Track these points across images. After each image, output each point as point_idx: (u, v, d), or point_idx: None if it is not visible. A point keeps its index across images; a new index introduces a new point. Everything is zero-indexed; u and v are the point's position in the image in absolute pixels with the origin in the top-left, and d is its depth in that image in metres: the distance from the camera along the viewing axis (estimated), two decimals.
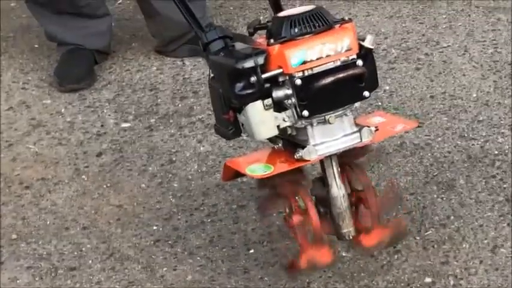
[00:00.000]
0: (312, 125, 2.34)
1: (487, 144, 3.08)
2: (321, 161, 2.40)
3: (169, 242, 2.74)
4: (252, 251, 2.65)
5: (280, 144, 2.43)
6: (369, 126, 2.37)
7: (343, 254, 2.56)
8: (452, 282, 2.47)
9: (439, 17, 3.88)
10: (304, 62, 2.29)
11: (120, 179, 3.07)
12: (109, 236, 2.82)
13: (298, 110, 2.32)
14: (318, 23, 2.32)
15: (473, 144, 3.09)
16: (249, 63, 2.30)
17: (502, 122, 3.19)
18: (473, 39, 3.67)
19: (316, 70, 2.30)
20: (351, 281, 2.57)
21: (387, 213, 2.47)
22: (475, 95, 3.32)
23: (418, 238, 2.60)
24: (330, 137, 2.36)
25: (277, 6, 2.60)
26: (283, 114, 2.34)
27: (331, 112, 2.33)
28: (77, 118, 3.44)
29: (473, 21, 3.85)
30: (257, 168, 2.40)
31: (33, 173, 3.18)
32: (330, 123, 2.35)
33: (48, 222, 2.90)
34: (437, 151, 3.06)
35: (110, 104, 3.50)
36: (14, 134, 3.41)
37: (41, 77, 3.70)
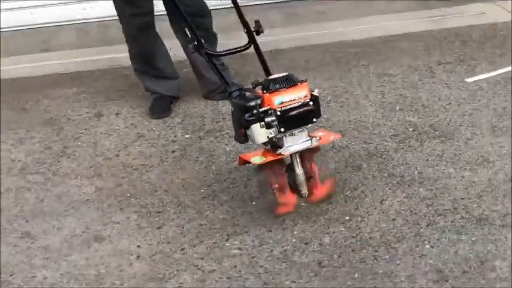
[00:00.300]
0: (285, 136, 2.93)
1: (379, 146, 3.62)
2: (291, 156, 2.95)
3: (210, 198, 3.30)
4: (254, 203, 3.24)
5: (268, 146, 3.00)
6: (315, 137, 2.99)
7: (302, 205, 3.12)
8: (359, 219, 3.06)
9: (352, 79, 4.41)
10: (282, 102, 2.90)
11: (184, 165, 3.63)
12: (178, 195, 3.37)
13: (278, 128, 2.89)
14: (289, 82, 2.93)
15: (371, 146, 3.63)
16: (253, 103, 2.91)
17: (387, 134, 3.72)
18: (371, 90, 4.24)
19: (288, 107, 2.91)
20: (306, 218, 3.09)
21: (323, 181, 3.00)
22: (371, 120, 3.87)
23: (341, 196, 3.21)
24: (295, 142, 2.96)
25: (267, 72, 3.22)
26: (270, 130, 2.92)
27: (296, 129, 2.94)
28: (160, 133, 3.98)
29: (371, 80, 4.39)
30: (257, 158, 2.95)
31: (138, 161, 3.72)
32: (295, 135, 2.95)
33: (146, 188, 3.44)
34: (352, 150, 3.61)
35: (178, 125, 4.06)
36: (127, 141, 3.92)
37: (142, 111, 4.25)
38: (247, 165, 3.25)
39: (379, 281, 2.71)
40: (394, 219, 3.06)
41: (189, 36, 3.19)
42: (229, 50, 3.28)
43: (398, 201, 3.18)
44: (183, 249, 3.00)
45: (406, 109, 3.98)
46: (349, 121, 3.91)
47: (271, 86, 2.92)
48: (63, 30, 5.83)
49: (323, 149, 3.28)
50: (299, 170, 2.98)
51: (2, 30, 5.86)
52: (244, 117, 2.90)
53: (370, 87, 4.28)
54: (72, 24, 5.92)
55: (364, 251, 2.88)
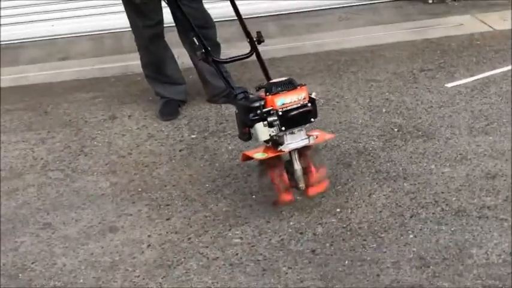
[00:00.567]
0: (286, 134, 2.94)
1: (367, 145, 3.62)
2: (289, 153, 2.97)
3: (214, 192, 3.30)
4: (254, 196, 3.25)
5: (269, 144, 3.00)
6: (312, 135, 3.00)
7: (297, 198, 3.11)
8: (349, 211, 3.07)
9: (343, 84, 4.40)
10: (283, 104, 2.92)
11: (191, 162, 3.64)
12: (185, 189, 3.38)
13: (279, 126, 2.90)
14: (289, 86, 2.95)
15: (359, 145, 3.63)
16: (257, 104, 2.92)
17: (374, 134, 3.72)
18: (359, 95, 4.21)
19: (289, 108, 2.93)
20: (301, 210, 3.10)
21: (318, 176, 2.99)
22: (360, 121, 3.87)
23: (333, 190, 3.20)
24: (294, 140, 2.97)
25: (267, 77, 3.23)
26: (272, 129, 2.93)
27: (295, 128, 2.96)
28: (169, 133, 3.98)
29: (359, 85, 4.35)
30: (259, 154, 2.96)
31: (149, 159, 3.70)
32: (294, 133, 2.96)
33: (156, 183, 3.44)
34: (343, 149, 3.61)
35: (185, 126, 4.06)
36: (139, 140, 3.93)
37: (152, 113, 4.23)
38: (247, 162, 3.27)
39: (367, 267, 2.73)
40: (380, 211, 3.08)
41: (197, 44, 3.19)
42: (234, 57, 3.28)
43: (384, 195, 3.20)
44: (189, 238, 3.02)
45: (392, 111, 4.00)
46: (340, 122, 3.92)
47: (273, 89, 2.94)
48: (80, 40, 5.86)
49: (318, 147, 3.29)
50: (297, 166, 2.99)
51: (23, 40, 5.91)
52: (249, 116, 2.91)
53: (359, 92, 4.30)
54: (88, 35, 5.93)
55: (354, 240, 2.90)
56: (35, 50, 5.73)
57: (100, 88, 4.76)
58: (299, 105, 2.93)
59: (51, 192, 3.50)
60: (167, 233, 3.08)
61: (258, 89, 3.02)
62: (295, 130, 2.94)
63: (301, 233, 2.98)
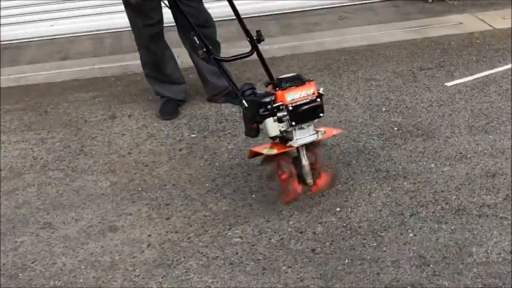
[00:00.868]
0: (295, 129, 2.94)
1: (366, 144, 3.62)
2: (297, 148, 2.98)
3: (214, 192, 3.31)
4: (253, 195, 3.26)
5: (277, 140, 2.99)
6: (320, 131, 3.01)
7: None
8: (349, 210, 3.07)
9: (343, 83, 4.39)
10: (293, 99, 2.92)
11: (190, 161, 3.64)
12: (185, 188, 3.39)
13: (289, 122, 2.91)
14: (298, 81, 2.96)
15: (359, 144, 3.64)
16: (267, 99, 2.93)
17: (374, 133, 3.72)
18: (359, 94, 4.21)
19: (298, 103, 2.93)
20: (301, 209, 3.11)
21: (325, 172, 3.00)
22: (360, 121, 3.87)
23: (333, 189, 3.19)
24: (303, 135, 2.97)
25: (269, 74, 3.19)
26: (282, 124, 2.94)
27: (305, 123, 2.97)
28: (169, 133, 3.99)
29: (359, 84, 4.38)
30: (269, 150, 2.96)
31: (149, 158, 3.72)
32: (304, 128, 2.96)
33: (155, 182, 3.44)
34: (342, 148, 3.62)
35: (185, 125, 4.07)
36: (139, 140, 3.92)
37: (152, 113, 4.24)
38: (247, 161, 3.32)
39: (367, 266, 2.73)
40: (380, 210, 3.08)
41: (197, 43, 3.19)
42: (235, 55, 3.28)
43: (384, 194, 3.20)
44: (189, 238, 3.02)
45: (391, 110, 4.00)
46: (339, 121, 3.93)
47: (282, 84, 2.94)
48: (79, 40, 5.86)
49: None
50: (305, 161, 3.00)
51: (23, 40, 5.91)
52: (259, 112, 2.91)
53: (359, 91, 4.31)
54: (88, 34, 5.93)
55: (354, 238, 2.90)
56: (34, 50, 5.74)
57: (100, 88, 4.76)
58: (308, 100, 2.94)
59: (51, 191, 3.50)
60: (167, 232, 3.08)
61: (267, 85, 3.02)
62: (305, 125, 2.95)
63: (301, 232, 2.98)
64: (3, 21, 5.89)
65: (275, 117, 2.91)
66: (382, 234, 2.91)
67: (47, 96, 4.69)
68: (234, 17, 3.27)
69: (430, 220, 2.98)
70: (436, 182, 3.25)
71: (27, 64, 5.39)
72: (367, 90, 4.29)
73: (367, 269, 2.72)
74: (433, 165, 3.39)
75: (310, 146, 3.01)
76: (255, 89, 3.07)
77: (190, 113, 4.22)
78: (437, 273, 2.66)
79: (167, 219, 3.17)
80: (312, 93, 2.95)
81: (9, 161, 3.83)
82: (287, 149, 2.95)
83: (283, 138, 2.98)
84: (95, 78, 4.95)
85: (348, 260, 2.77)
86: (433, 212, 3.03)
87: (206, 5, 4.12)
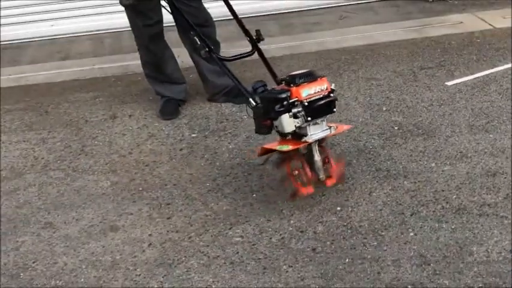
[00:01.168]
0: (309, 125, 2.95)
1: (367, 143, 3.64)
2: (309, 144, 2.96)
3: (215, 191, 3.31)
4: (254, 195, 3.27)
5: (289, 137, 2.98)
6: (332, 126, 3.03)
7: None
8: (350, 210, 3.08)
9: (343, 83, 4.39)
10: (308, 94, 2.94)
11: (191, 161, 3.66)
12: (186, 188, 3.40)
13: (305, 117, 2.91)
14: (310, 77, 2.98)
15: (360, 143, 3.65)
16: (284, 95, 2.93)
17: (374, 132, 3.73)
18: (360, 93, 4.23)
19: (313, 98, 2.96)
20: (301, 209, 3.11)
21: (337, 166, 3.03)
22: (360, 120, 3.82)
23: (334, 189, 3.18)
24: (317, 130, 2.99)
25: (271, 72, 3.30)
26: (297, 120, 2.94)
27: (320, 118, 2.99)
28: (169, 132, 4.00)
29: (360, 84, 4.38)
30: (284, 146, 2.96)
31: (150, 158, 3.71)
32: (318, 123, 2.98)
33: (156, 182, 3.45)
34: (343, 147, 3.62)
35: (186, 125, 4.08)
36: (139, 140, 3.93)
37: (152, 113, 4.25)
38: (248, 160, 3.36)
39: (368, 265, 2.73)
40: (381, 209, 3.08)
41: (199, 43, 3.20)
42: (238, 55, 3.29)
43: (385, 193, 3.21)
44: (190, 237, 3.03)
45: (392, 110, 4.01)
46: (340, 121, 3.87)
47: (296, 80, 2.96)
48: (80, 40, 5.86)
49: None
50: (317, 157, 3.01)
51: (23, 40, 5.91)
52: (275, 108, 2.91)
53: (359, 90, 4.32)
54: (88, 34, 5.93)
55: (354, 238, 2.91)
56: (35, 50, 5.74)
57: (100, 88, 4.77)
58: (323, 95, 2.96)
59: (52, 191, 3.51)
60: (168, 232, 3.09)
61: (280, 81, 3.04)
62: (319, 120, 2.97)
63: (301, 232, 2.99)
64: (3, 21, 5.89)
65: (291, 113, 2.91)
66: (383, 233, 2.92)
67: (47, 96, 4.69)
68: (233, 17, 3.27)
69: (431, 219, 2.98)
70: (437, 181, 3.25)
71: (27, 64, 5.41)
72: (368, 89, 4.30)
73: (368, 268, 2.72)
74: (433, 165, 3.39)
75: (321, 141, 3.03)
76: (266, 86, 3.08)
77: (191, 113, 4.23)
78: (437, 272, 2.66)
79: (168, 218, 3.18)
80: (325, 88, 2.98)
81: (10, 161, 3.84)
82: (302, 145, 2.95)
83: (296, 134, 2.98)
84: (95, 78, 4.95)
85: (349, 259, 2.78)
86: (434, 211, 3.03)
87: (206, 5, 4.13)
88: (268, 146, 3.02)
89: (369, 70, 4.58)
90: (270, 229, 3.02)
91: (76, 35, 5.94)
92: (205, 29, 3.89)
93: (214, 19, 4.17)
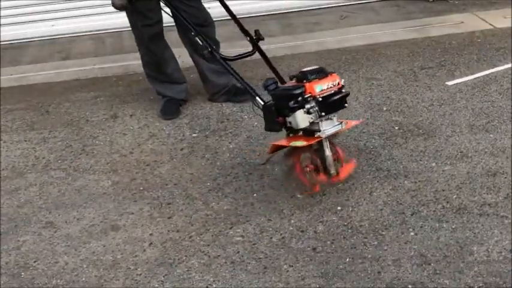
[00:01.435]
0: (322, 120, 2.98)
1: (367, 143, 3.64)
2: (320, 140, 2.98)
3: (215, 191, 3.31)
4: (255, 195, 3.26)
5: (300, 133, 3.00)
6: (343, 121, 3.07)
7: (298, 196, 3.13)
8: (350, 209, 3.08)
9: (344, 83, 3.96)
10: (322, 90, 2.96)
11: (192, 161, 3.66)
12: (186, 188, 3.40)
13: (319, 112, 2.93)
14: (322, 73, 3.00)
15: (360, 143, 3.66)
16: (298, 91, 2.95)
17: (375, 132, 3.72)
18: (360, 93, 4.22)
19: (326, 94, 2.98)
20: (302, 208, 3.12)
21: (346, 161, 3.09)
22: (362, 119, 3.83)
23: (334, 188, 3.19)
24: (330, 126, 3.02)
25: (273, 70, 3.32)
26: (310, 115, 2.95)
27: (333, 113, 3.02)
28: (170, 132, 4.00)
29: (360, 84, 4.39)
30: (298, 142, 2.97)
31: (150, 158, 3.72)
32: (331, 119, 3.01)
33: (157, 182, 3.44)
34: (344, 146, 3.54)
35: (186, 125, 4.09)
36: (140, 139, 3.94)
37: (153, 112, 4.26)
38: (248, 160, 3.36)
39: (368, 265, 2.73)
40: (381, 209, 3.08)
41: (200, 44, 3.21)
42: (240, 55, 3.30)
43: (385, 193, 3.20)
44: (191, 237, 3.03)
45: (392, 109, 4.01)
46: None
47: (308, 76, 2.97)
48: (80, 40, 5.86)
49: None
50: (328, 152, 3.03)
51: (24, 40, 5.92)
52: (289, 104, 2.92)
53: (360, 90, 4.31)
54: (88, 34, 5.94)
55: (355, 237, 2.90)
56: (35, 49, 5.74)
57: (101, 87, 4.76)
58: (335, 90, 2.99)
59: (53, 191, 3.51)
60: (169, 231, 3.09)
61: (291, 78, 3.05)
62: (331, 115, 2.98)
63: (302, 231, 2.99)
64: (4, 21, 5.89)
65: (304, 109, 2.93)
66: (383, 233, 2.92)
67: (48, 96, 4.69)
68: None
69: (431, 219, 2.98)
70: (437, 181, 3.25)
71: (28, 64, 5.41)
72: (368, 89, 4.30)
73: (368, 267, 2.72)
74: (434, 164, 3.38)
75: (331, 137, 3.05)
76: (277, 83, 3.08)
77: (192, 113, 4.23)
78: (438, 271, 2.66)
79: (169, 218, 3.18)
80: (337, 84, 3.01)
81: (11, 161, 3.84)
82: (316, 140, 2.96)
83: (307, 130, 2.99)
84: (96, 78, 4.95)
85: (349, 259, 2.78)
86: (434, 211, 3.03)
87: (206, 5, 4.13)
88: (279, 142, 3.02)
89: (370, 70, 4.57)
90: (270, 229, 3.02)
91: (77, 34, 5.95)
92: (205, 29, 3.90)
93: (214, 19, 4.17)
